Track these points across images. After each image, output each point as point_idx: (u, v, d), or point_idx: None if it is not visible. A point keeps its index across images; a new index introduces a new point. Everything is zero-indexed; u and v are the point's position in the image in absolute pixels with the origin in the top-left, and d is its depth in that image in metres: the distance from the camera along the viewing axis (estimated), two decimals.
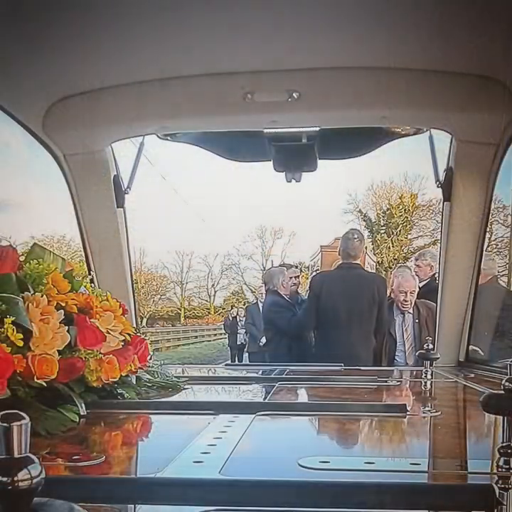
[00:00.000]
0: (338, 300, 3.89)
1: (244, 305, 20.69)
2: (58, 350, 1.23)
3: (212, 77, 1.94)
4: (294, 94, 1.95)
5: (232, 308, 18.65)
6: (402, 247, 30.82)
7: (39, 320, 1.20)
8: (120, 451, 1.05)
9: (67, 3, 1.48)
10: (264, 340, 6.88)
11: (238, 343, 13.48)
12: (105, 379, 1.33)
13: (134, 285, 2.68)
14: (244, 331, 12.35)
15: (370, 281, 4.00)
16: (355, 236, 4.02)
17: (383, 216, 31.68)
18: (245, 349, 11.41)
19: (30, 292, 1.25)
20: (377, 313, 3.87)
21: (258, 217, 43.35)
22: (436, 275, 4.11)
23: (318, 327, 4.01)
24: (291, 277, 4.95)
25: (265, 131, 2.19)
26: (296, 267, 5.79)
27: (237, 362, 12.51)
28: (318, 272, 4.54)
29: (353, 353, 3.67)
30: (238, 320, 14.07)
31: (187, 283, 36.71)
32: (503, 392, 0.75)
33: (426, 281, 4.24)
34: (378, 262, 28.40)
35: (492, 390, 0.78)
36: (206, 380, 2.03)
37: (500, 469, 0.75)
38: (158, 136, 2.33)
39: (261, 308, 8.42)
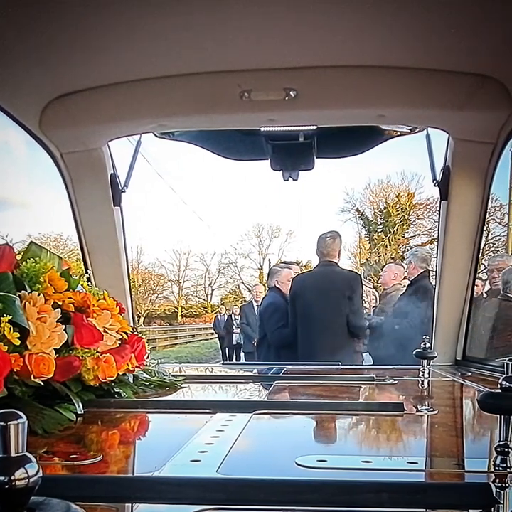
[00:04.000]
0: (313, 298, 3.94)
1: (240, 303, 20.61)
2: (55, 349, 1.23)
3: (209, 75, 1.94)
4: (291, 93, 1.95)
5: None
6: (399, 245, 30.85)
7: (36, 319, 1.20)
8: (117, 450, 1.05)
9: (65, 2, 1.47)
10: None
11: (234, 343, 13.40)
12: (102, 378, 1.33)
13: (131, 284, 2.68)
14: (239, 330, 12.32)
15: (343, 277, 4.04)
16: (328, 235, 4.10)
17: (380, 215, 31.70)
18: (242, 349, 11.38)
19: (27, 291, 1.25)
20: (350, 306, 3.89)
21: (255, 216, 43.55)
22: (426, 273, 4.15)
23: (299, 326, 4.03)
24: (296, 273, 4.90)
25: (262, 129, 2.18)
26: (298, 265, 5.76)
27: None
28: (298, 273, 4.55)
29: (331, 348, 3.69)
30: (233, 319, 13.95)
31: (184, 281, 36.62)
32: (500, 390, 0.75)
33: (413, 280, 4.25)
34: (375, 260, 28.48)
35: (489, 388, 0.78)
36: (203, 379, 2.03)
37: (497, 468, 0.76)
38: (155, 134, 2.32)
39: (256, 307, 8.43)
